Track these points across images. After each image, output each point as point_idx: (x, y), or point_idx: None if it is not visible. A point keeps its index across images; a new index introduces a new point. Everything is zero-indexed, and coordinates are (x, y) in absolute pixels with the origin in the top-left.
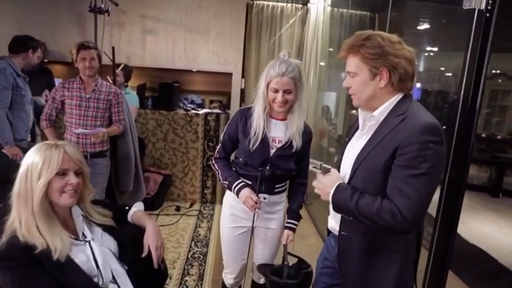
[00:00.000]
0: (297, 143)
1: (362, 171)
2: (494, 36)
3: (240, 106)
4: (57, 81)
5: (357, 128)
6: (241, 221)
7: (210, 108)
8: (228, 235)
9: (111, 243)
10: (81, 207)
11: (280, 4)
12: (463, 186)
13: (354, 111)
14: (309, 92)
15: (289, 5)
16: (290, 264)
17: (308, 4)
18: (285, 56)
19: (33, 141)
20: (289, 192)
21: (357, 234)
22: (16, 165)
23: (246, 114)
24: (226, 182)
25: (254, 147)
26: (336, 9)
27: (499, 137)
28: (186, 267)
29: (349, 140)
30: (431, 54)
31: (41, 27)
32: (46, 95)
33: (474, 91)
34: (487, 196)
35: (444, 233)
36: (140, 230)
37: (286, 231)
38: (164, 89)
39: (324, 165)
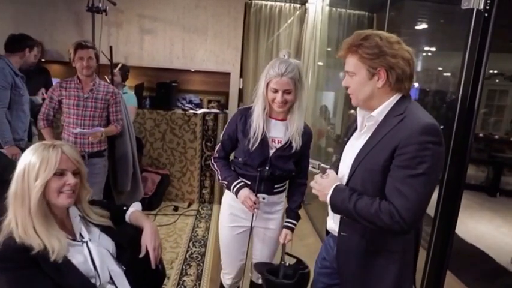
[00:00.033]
0: (297, 143)
1: (361, 172)
2: (492, 36)
3: (238, 106)
4: (55, 81)
5: (356, 128)
6: (240, 221)
7: (208, 108)
8: (226, 235)
9: (108, 243)
10: (79, 207)
11: (278, 4)
12: (462, 186)
13: (352, 111)
14: (307, 91)
15: (288, 4)
16: (287, 264)
17: (306, 4)
18: (284, 56)
19: (30, 141)
20: (288, 192)
21: (356, 235)
22: (12, 166)
23: (245, 114)
24: (226, 182)
25: (253, 147)
26: (334, 9)
27: (496, 136)
28: (184, 267)
29: (348, 140)
30: (429, 54)
31: (39, 27)
32: (42, 93)
33: (472, 91)
34: (485, 196)
35: (442, 233)
36: (138, 230)
37: (285, 230)
38: (162, 89)
39: (322, 165)
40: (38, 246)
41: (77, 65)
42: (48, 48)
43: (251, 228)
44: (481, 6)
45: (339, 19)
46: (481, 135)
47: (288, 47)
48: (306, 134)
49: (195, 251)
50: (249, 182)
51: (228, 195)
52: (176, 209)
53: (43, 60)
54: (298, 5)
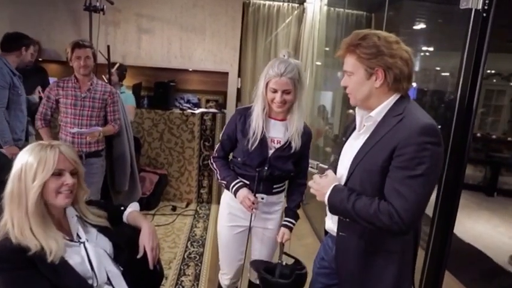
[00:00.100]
0: (296, 143)
1: (359, 172)
2: (491, 36)
3: (237, 105)
4: (52, 80)
5: (354, 128)
6: (238, 220)
7: (206, 108)
8: (225, 234)
9: (106, 244)
10: (76, 207)
11: (276, 3)
12: (460, 186)
13: (351, 111)
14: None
15: (286, 4)
16: (284, 263)
17: (304, 3)
18: (284, 56)
19: (26, 141)
20: (288, 191)
21: (354, 235)
22: (10, 166)
23: (245, 114)
24: (224, 182)
25: (253, 148)
26: (332, 8)
27: (494, 136)
28: (182, 267)
29: (347, 140)
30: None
31: (36, 26)
32: (39, 92)
33: (471, 91)
34: (482, 195)
35: (441, 233)
36: (136, 231)
37: (283, 229)
38: (160, 88)
39: (321, 165)
40: (34, 247)
41: (74, 65)
42: (45, 47)
43: (250, 228)
44: (480, 6)
45: (337, 19)
46: (478, 135)
47: (286, 47)
48: (306, 134)
49: (193, 251)
50: (247, 182)
51: (227, 195)
52: (174, 209)
53: (40, 59)
54: (296, 5)
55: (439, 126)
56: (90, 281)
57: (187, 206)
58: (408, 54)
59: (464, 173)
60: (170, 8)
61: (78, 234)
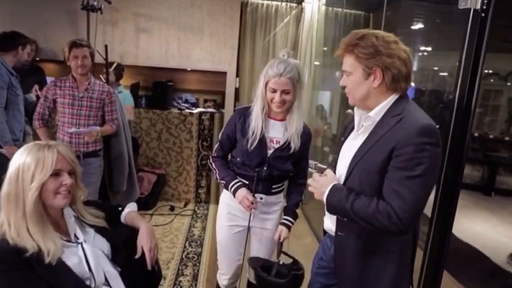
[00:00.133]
0: (295, 144)
1: (358, 172)
2: (489, 36)
3: (235, 105)
4: (49, 80)
5: (353, 128)
6: (237, 220)
7: (204, 108)
8: (224, 233)
9: (103, 244)
10: (73, 208)
11: (274, 3)
12: (459, 186)
13: (349, 110)
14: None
15: (284, 3)
16: (281, 262)
17: (303, 3)
18: (284, 56)
19: (23, 141)
20: (287, 191)
21: (353, 235)
22: (7, 167)
23: (244, 113)
24: (224, 182)
25: (252, 147)
26: (330, 8)
27: (491, 136)
28: (180, 267)
29: (345, 139)
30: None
31: (33, 25)
32: (36, 90)
33: (469, 91)
34: (480, 195)
35: (439, 233)
36: (133, 231)
37: (280, 227)
38: (158, 88)
39: (319, 165)
40: (32, 248)
41: (71, 64)
42: (42, 46)
43: (248, 228)
44: (478, 6)
45: (336, 18)
46: (476, 134)
47: (285, 47)
48: (305, 135)
49: (191, 251)
50: (247, 182)
51: (226, 194)
52: (172, 208)
53: (37, 59)
54: (294, 4)
55: (437, 126)
56: (87, 282)
57: (185, 206)
58: (407, 54)
59: (463, 173)
60: (168, 8)
61: (75, 235)
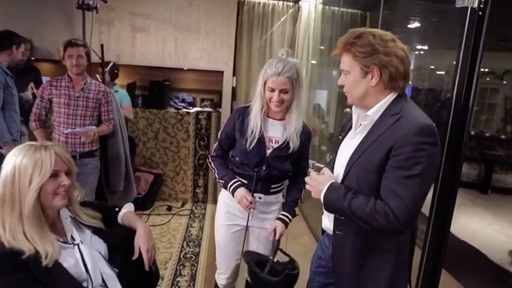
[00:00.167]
0: (294, 143)
1: (356, 171)
2: (486, 35)
3: (232, 104)
4: (45, 80)
5: (351, 127)
6: (236, 219)
7: (201, 107)
8: (223, 233)
9: (100, 245)
10: (70, 209)
11: (271, 2)
12: (456, 185)
13: (347, 109)
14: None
15: (281, 2)
16: (276, 260)
17: (299, 2)
18: (283, 54)
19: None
20: (287, 189)
21: (351, 234)
22: None
23: (243, 113)
24: (222, 181)
25: (251, 147)
26: (327, 7)
27: (487, 134)
28: (178, 267)
29: (343, 138)
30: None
31: (28, 25)
32: (32, 88)
33: (467, 89)
34: (476, 193)
35: (437, 231)
36: (131, 232)
37: (275, 222)
38: (155, 88)
39: (317, 164)
40: (28, 251)
41: (66, 63)
42: (38, 46)
43: (247, 228)
44: (475, 5)
45: (332, 17)
46: (472, 133)
47: (281, 46)
48: (305, 134)
49: (189, 251)
50: (245, 182)
51: (224, 194)
52: (169, 208)
53: (33, 58)
54: (291, 3)
55: (434, 125)
56: (84, 284)
57: (182, 205)
58: (404, 53)
59: (461, 172)
60: (165, 7)
61: (72, 236)
